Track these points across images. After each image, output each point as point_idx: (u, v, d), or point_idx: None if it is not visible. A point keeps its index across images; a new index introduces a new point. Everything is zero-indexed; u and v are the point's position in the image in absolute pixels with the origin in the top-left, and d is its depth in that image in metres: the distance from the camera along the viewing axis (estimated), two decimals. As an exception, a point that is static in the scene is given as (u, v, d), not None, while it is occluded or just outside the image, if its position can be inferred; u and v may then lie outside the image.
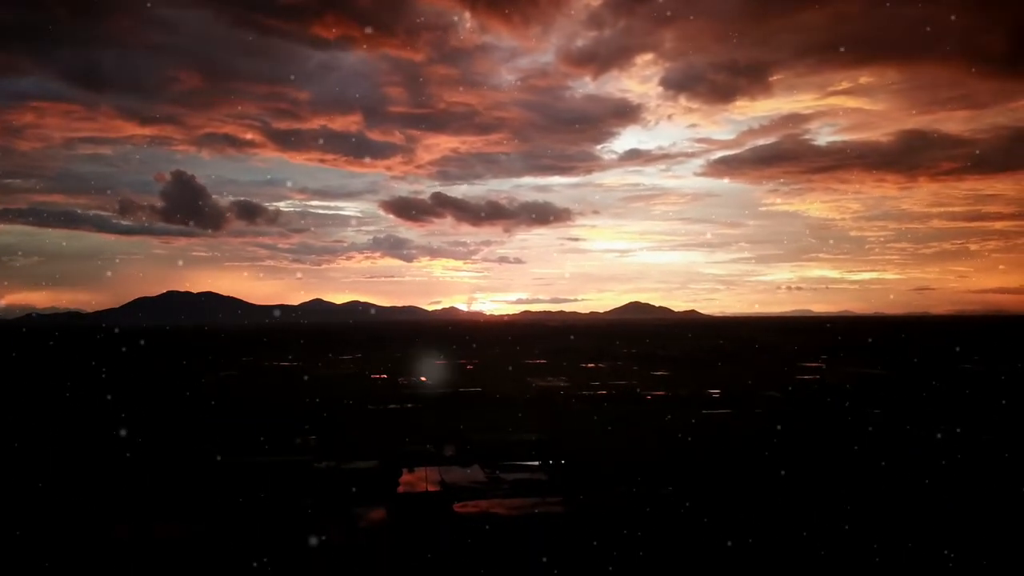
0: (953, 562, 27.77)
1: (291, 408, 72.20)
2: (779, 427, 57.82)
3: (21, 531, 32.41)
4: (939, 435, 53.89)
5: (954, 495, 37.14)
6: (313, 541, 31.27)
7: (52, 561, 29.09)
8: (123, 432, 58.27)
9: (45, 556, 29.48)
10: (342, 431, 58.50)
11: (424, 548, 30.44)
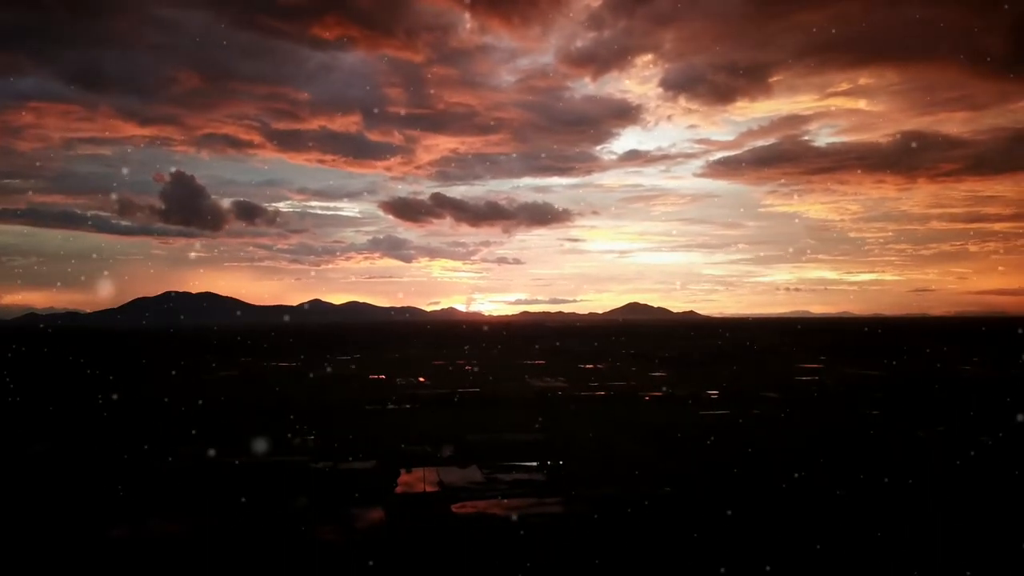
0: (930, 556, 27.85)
1: (289, 409, 72.19)
2: (776, 428, 57.93)
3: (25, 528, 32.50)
4: (934, 436, 53.98)
5: (947, 494, 37.22)
6: (309, 542, 31.32)
7: (49, 560, 29.14)
8: (125, 432, 58.43)
9: (41, 554, 29.54)
10: (340, 432, 58.52)
11: (421, 549, 30.48)
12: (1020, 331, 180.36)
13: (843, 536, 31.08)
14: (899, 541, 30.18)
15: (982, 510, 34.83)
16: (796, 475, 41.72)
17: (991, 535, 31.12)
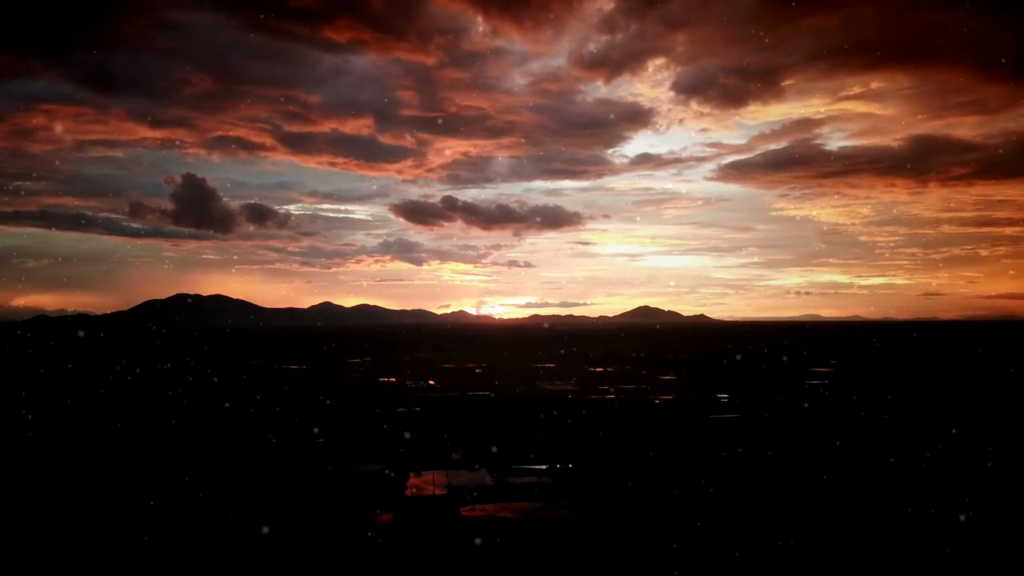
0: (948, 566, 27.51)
1: (298, 411, 72.33)
2: (788, 431, 57.53)
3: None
4: (951, 439, 53.47)
5: (959, 497, 36.81)
6: (319, 543, 31.29)
7: (40, 565, 29.17)
8: (128, 435, 58.50)
9: (29, 557, 29.56)
10: (349, 434, 58.53)
11: (431, 550, 30.40)
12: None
13: (856, 538, 30.79)
14: (898, 540, 29.86)
15: (985, 513, 34.45)
16: (807, 477, 41.40)
17: (990, 535, 30.75)
